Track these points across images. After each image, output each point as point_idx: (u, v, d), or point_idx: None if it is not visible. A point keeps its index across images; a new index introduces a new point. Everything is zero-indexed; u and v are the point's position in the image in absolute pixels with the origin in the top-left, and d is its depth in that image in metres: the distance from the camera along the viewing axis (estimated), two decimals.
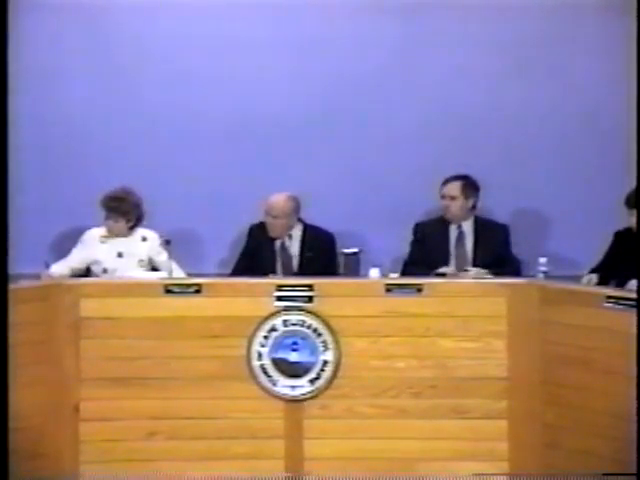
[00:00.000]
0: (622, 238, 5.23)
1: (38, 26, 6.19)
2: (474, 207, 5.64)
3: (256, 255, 5.72)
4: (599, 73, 6.15)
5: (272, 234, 5.69)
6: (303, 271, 5.60)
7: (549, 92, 6.25)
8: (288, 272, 5.64)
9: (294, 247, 5.74)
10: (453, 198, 5.57)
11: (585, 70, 6.19)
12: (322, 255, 5.67)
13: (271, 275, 5.47)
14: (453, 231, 5.65)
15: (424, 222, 5.77)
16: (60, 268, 5.41)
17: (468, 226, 5.64)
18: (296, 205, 5.67)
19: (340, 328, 4.67)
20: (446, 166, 5.89)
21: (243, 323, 4.67)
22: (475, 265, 5.51)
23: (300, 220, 5.74)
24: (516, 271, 5.45)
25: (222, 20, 6.24)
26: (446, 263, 5.54)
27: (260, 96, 6.27)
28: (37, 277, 5.12)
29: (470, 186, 5.60)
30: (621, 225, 5.33)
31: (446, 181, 5.60)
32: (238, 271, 5.65)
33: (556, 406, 4.52)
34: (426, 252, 5.60)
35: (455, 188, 5.57)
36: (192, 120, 6.29)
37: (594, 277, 5.08)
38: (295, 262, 5.71)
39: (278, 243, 5.73)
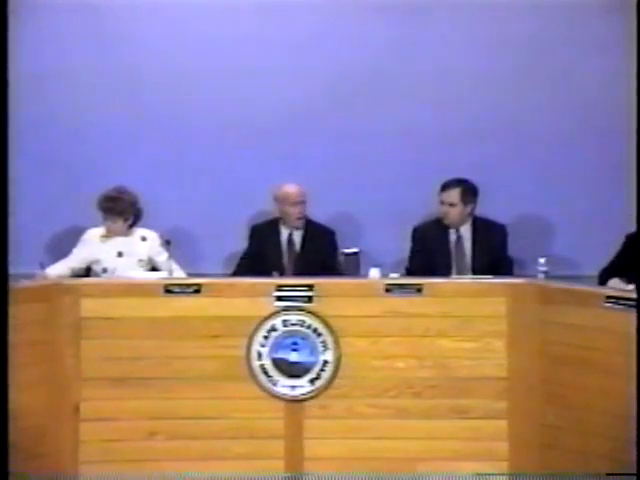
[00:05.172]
0: (633, 241, 5.18)
1: (39, 26, 6.20)
2: (472, 211, 5.64)
3: (262, 254, 5.74)
4: (599, 73, 6.15)
5: (291, 223, 5.75)
6: (303, 267, 5.62)
7: (549, 92, 6.25)
8: (296, 268, 5.68)
9: (297, 243, 5.78)
10: (452, 205, 5.56)
11: (585, 70, 6.18)
12: (323, 251, 5.70)
13: (274, 273, 5.46)
14: (452, 235, 5.65)
15: (422, 226, 5.77)
16: (59, 268, 5.41)
17: (466, 229, 5.64)
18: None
19: (340, 328, 4.67)
20: (446, 166, 5.90)
21: (243, 323, 4.67)
22: (474, 268, 5.52)
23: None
24: (510, 271, 5.46)
25: (221, 20, 6.24)
26: (447, 267, 5.55)
27: (260, 96, 6.28)
28: (33, 278, 5.10)
29: (469, 191, 5.59)
30: (621, 225, 5.32)
31: (445, 187, 5.58)
32: (240, 272, 5.66)
33: (556, 406, 4.52)
34: (427, 257, 5.60)
35: (454, 195, 5.56)
36: (192, 120, 6.30)
37: (620, 282, 4.98)
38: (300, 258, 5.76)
39: (284, 239, 5.78)
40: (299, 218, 5.76)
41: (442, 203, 5.59)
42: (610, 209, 6.02)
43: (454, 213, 5.58)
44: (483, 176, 5.71)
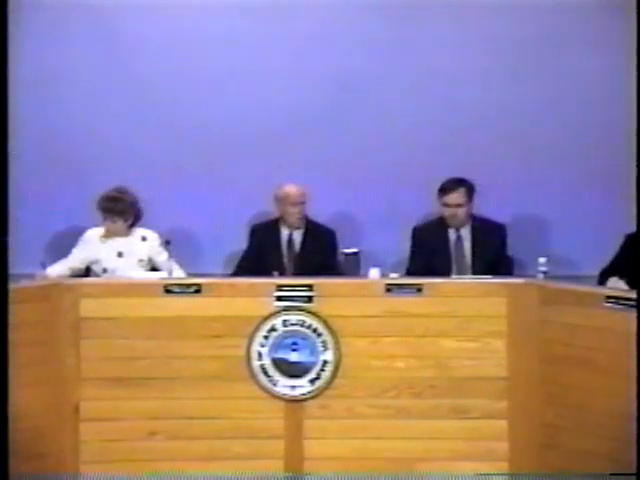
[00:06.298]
0: (633, 241, 5.18)
1: (40, 26, 6.19)
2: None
3: (262, 254, 5.74)
4: (599, 73, 6.15)
5: (297, 222, 5.74)
6: (303, 267, 5.62)
7: (548, 92, 6.25)
8: (296, 268, 5.68)
9: (297, 242, 5.78)
10: (459, 205, 5.55)
11: (585, 70, 6.18)
12: (323, 251, 5.70)
13: (275, 273, 5.46)
14: (452, 235, 5.64)
15: (422, 226, 5.76)
16: (59, 268, 5.40)
17: (466, 229, 5.64)
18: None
19: (340, 328, 4.67)
20: (446, 166, 5.89)
21: (243, 323, 4.67)
22: (474, 268, 5.52)
23: (304, 216, 5.79)
24: (509, 271, 5.46)
25: (222, 21, 6.25)
26: (447, 267, 5.54)
27: (260, 96, 6.28)
28: (34, 278, 5.10)
29: (470, 190, 5.60)
30: (621, 225, 5.32)
31: (449, 189, 5.54)
32: (241, 272, 5.65)
33: (556, 406, 4.52)
34: (427, 257, 5.60)
35: (460, 196, 5.54)
36: (192, 120, 6.30)
37: (619, 281, 4.96)
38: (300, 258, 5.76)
39: (284, 239, 5.78)
40: (299, 218, 5.77)
41: (447, 205, 5.55)
42: (610, 209, 6.01)
43: (462, 213, 5.57)
44: (483, 176, 5.70)
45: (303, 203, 5.75)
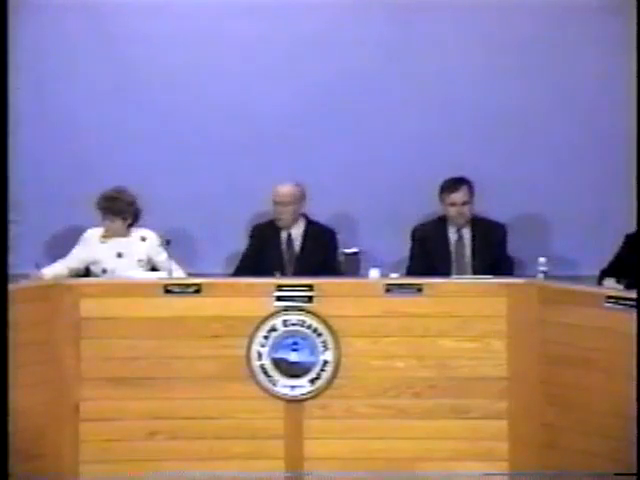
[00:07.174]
0: (633, 241, 5.18)
1: (40, 26, 6.19)
2: None
3: (262, 254, 5.73)
4: (599, 73, 6.14)
5: (281, 223, 5.71)
6: (303, 266, 5.61)
7: (549, 92, 6.24)
8: (296, 268, 5.67)
9: (297, 242, 5.77)
10: (465, 203, 5.55)
11: (585, 70, 6.18)
12: (323, 251, 5.69)
13: (276, 273, 5.45)
14: (452, 235, 5.64)
15: (422, 226, 5.75)
16: (57, 268, 5.39)
17: (466, 229, 5.63)
18: (302, 193, 5.72)
19: (340, 328, 4.67)
20: (446, 166, 5.88)
21: (243, 323, 4.67)
22: (474, 268, 5.51)
23: (304, 215, 5.77)
24: (510, 271, 5.46)
25: (222, 20, 6.24)
26: (447, 267, 5.54)
27: (259, 96, 6.27)
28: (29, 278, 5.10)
29: (472, 188, 5.60)
30: (621, 225, 5.33)
31: (453, 188, 5.53)
32: (241, 272, 5.64)
33: (556, 406, 4.53)
34: (427, 257, 5.59)
35: (465, 194, 5.54)
36: (192, 120, 6.29)
37: (611, 280, 5.00)
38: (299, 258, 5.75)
39: (284, 239, 5.76)
40: (283, 218, 5.70)
41: (454, 204, 5.55)
42: (610, 209, 6.01)
43: (468, 211, 5.58)
44: (483, 176, 5.70)
45: (292, 203, 5.69)
